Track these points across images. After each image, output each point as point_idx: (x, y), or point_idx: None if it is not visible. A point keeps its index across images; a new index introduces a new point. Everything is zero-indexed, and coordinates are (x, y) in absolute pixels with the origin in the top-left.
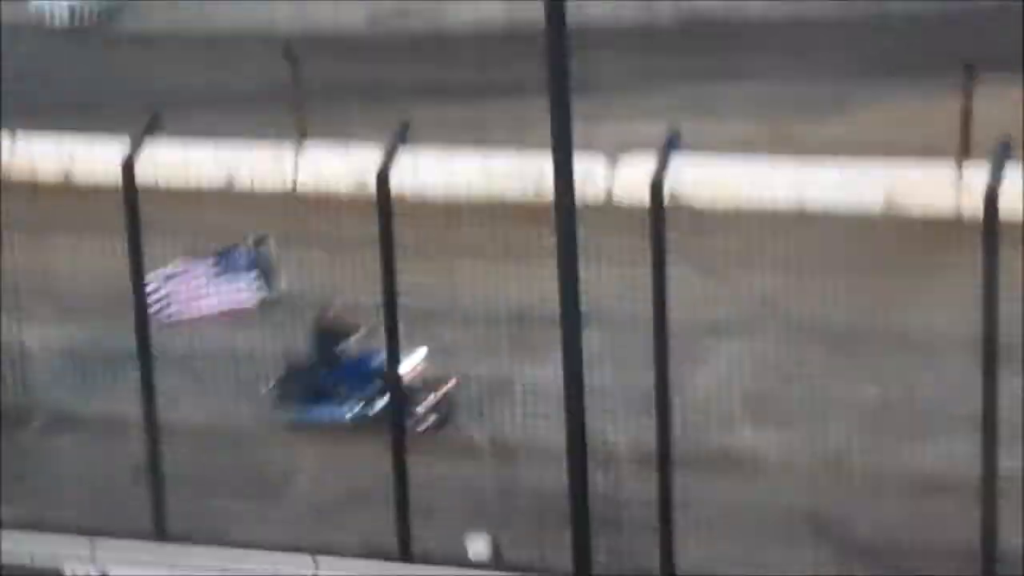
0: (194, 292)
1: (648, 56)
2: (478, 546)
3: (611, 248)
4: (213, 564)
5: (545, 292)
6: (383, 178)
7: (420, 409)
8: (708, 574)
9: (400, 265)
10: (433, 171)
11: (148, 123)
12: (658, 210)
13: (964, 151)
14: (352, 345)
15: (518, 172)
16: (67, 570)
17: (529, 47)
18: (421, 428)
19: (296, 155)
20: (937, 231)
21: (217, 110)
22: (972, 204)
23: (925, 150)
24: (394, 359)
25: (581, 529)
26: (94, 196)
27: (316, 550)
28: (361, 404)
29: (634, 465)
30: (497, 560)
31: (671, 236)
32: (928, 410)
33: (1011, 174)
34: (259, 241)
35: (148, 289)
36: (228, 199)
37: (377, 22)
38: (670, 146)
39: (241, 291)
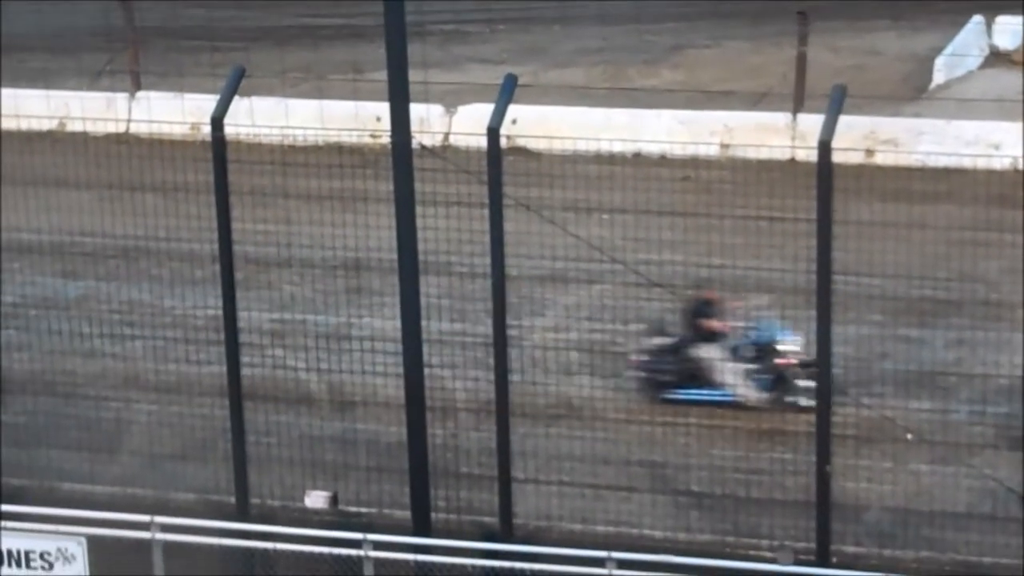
0: None
1: (484, 1)
2: (317, 500)
3: (448, 194)
4: None
5: (382, 239)
6: (217, 122)
7: (801, 384)
8: (546, 523)
9: (235, 211)
10: (268, 115)
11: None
12: (495, 156)
13: (799, 97)
14: (725, 321)
15: (354, 116)
16: None
17: None
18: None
19: (130, 99)
20: (772, 176)
21: (49, 54)
22: (807, 149)
23: (760, 96)
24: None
25: (419, 479)
26: None
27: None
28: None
29: (472, 415)
30: (335, 511)
31: (508, 182)
32: None
33: (845, 120)
34: None
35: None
36: (59, 142)
37: None
38: (506, 91)
39: None
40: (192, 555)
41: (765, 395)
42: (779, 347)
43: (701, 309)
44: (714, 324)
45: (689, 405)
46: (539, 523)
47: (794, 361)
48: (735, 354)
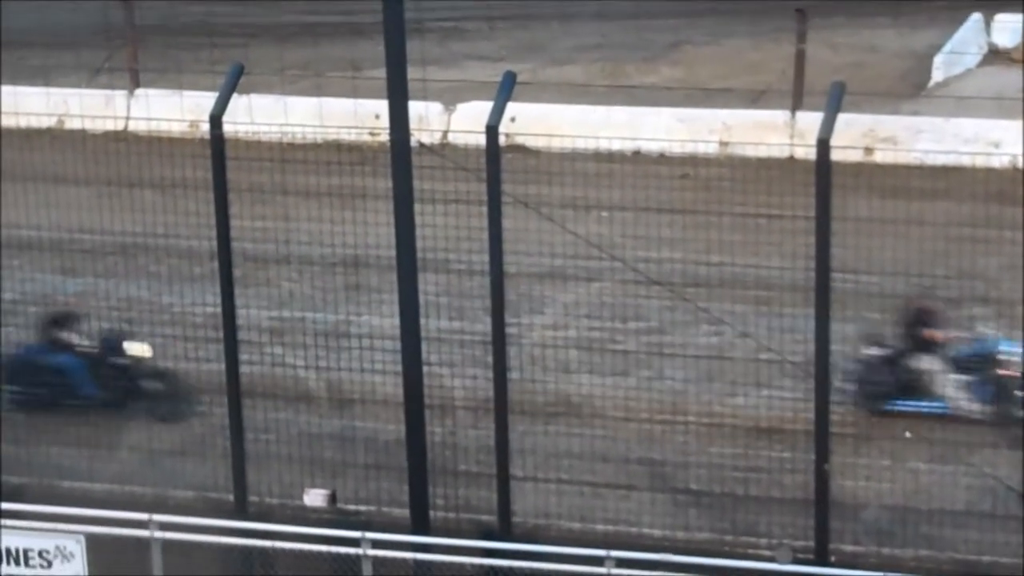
0: None
1: None
2: (316, 498)
3: (447, 192)
4: None
5: (380, 236)
6: (216, 120)
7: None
8: (545, 521)
9: (234, 208)
10: (267, 112)
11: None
12: (493, 153)
13: (798, 95)
14: (944, 331)
15: (353, 114)
16: None
17: None
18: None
19: (129, 96)
20: (771, 173)
21: (49, 51)
22: (806, 147)
23: (759, 93)
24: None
25: (418, 477)
26: None
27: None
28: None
29: (471, 413)
30: (334, 509)
31: (507, 179)
32: (764, 356)
33: (843, 118)
34: None
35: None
36: (58, 139)
37: None
38: (505, 88)
39: None
40: (191, 553)
41: (985, 407)
42: (1000, 358)
43: (920, 319)
44: (934, 334)
45: (905, 417)
46: (538, 521)
47: (1017, 372)
48: (954, 365)
